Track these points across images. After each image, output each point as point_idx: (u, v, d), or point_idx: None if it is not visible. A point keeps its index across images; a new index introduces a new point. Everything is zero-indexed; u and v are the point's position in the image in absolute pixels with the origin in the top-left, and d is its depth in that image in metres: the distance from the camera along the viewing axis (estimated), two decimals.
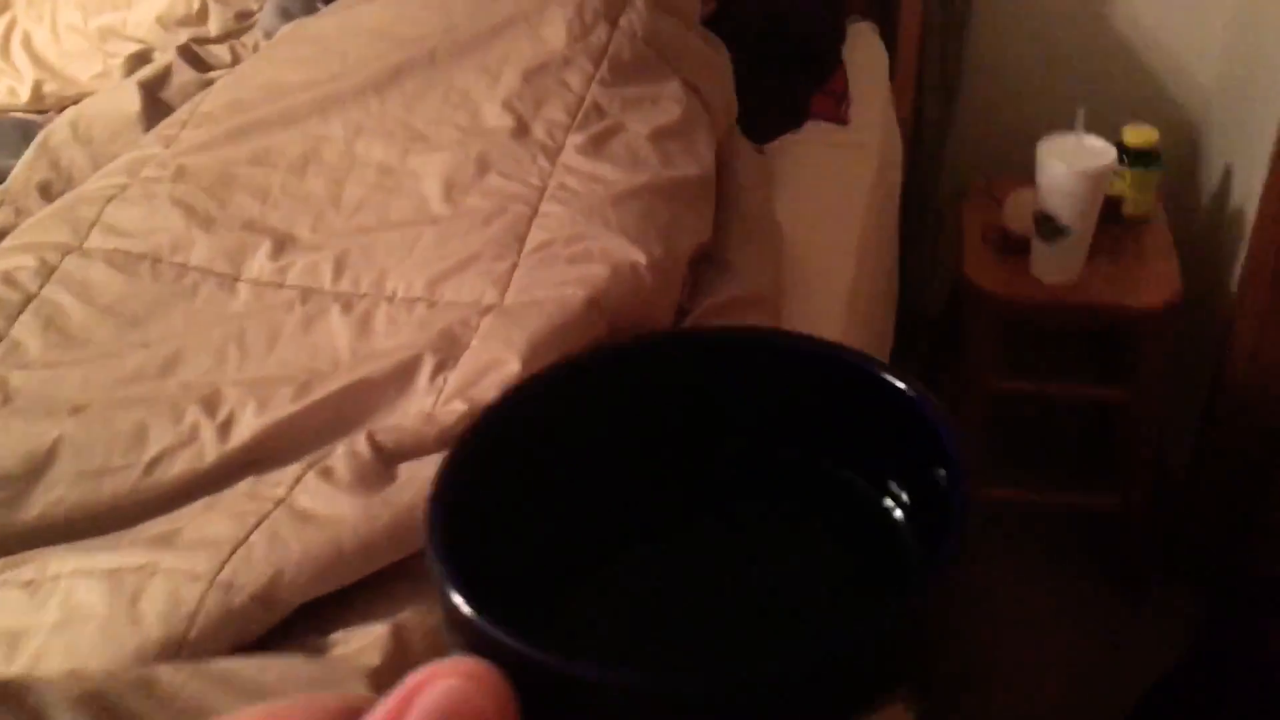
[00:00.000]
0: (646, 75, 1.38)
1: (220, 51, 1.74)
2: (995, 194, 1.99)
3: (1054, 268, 1.80)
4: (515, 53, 1.36)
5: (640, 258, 1.16)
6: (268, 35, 1.71)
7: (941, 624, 0.31)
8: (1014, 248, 1.86)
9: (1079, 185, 1.69)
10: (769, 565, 0.41)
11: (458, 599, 0.31)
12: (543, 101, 1.32)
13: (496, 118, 1.31)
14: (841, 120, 1.71)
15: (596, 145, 1.28)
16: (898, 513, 0.40)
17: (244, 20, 1.87)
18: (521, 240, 1.19)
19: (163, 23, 1.85)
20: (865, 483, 0.41)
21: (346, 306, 1.15)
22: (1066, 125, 1.71)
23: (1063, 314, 1.82)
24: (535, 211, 1.22)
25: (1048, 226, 1.75)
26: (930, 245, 2.21)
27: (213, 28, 1.86)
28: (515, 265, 1.17)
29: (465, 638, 0.30)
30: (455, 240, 1.19)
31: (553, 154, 1.27)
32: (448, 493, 0.36)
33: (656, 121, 1.32)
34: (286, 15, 1.74)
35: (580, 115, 1.31)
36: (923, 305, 2.25)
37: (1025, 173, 1.77)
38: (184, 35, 1.84)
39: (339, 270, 1.19)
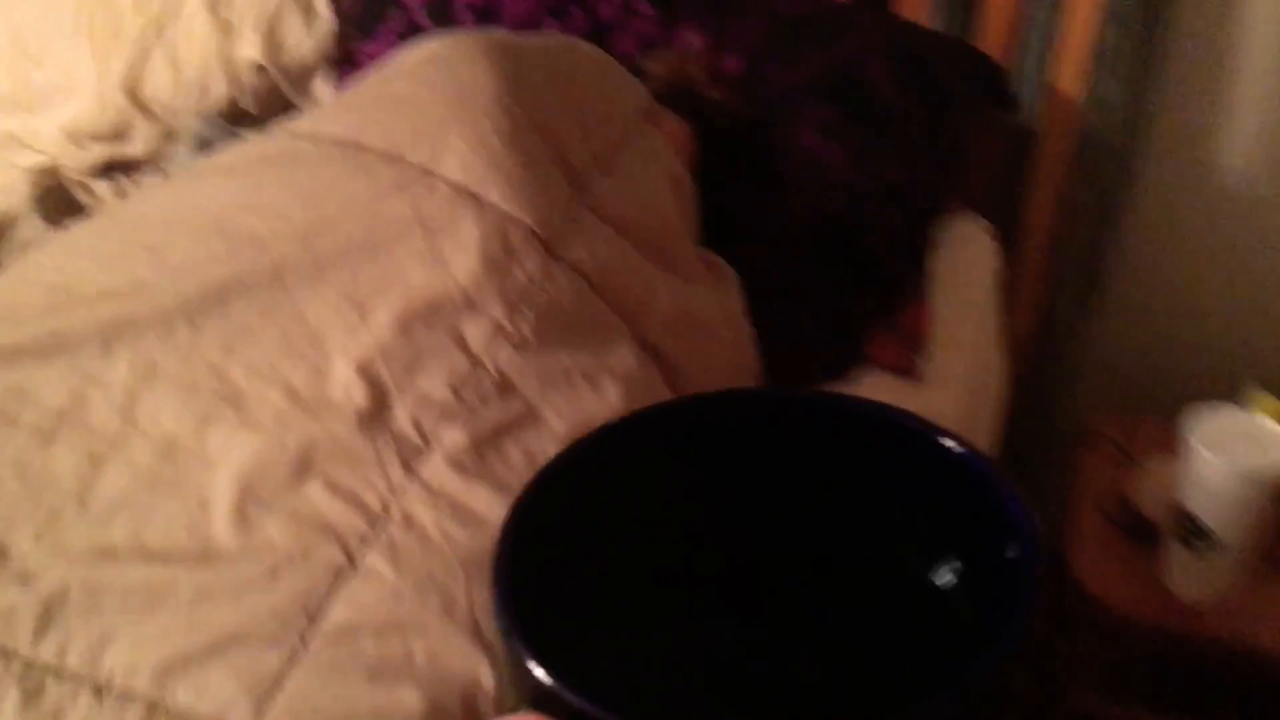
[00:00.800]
0: (587, 334, 0.92)
1: (106, 193, 1.33)
2: (1125, 445, 1.51)
3: (1192, 582, 1.30)
4: (399, 279, 0.91)
5: (488, 678, 0.72)
6: (165, 175, 1.31)
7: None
8: (1141, 534, 1.38)
9: (1241, 490, 1.20)
10: (819, 629, 0.52)
11: (539, 671, 0.47)
12: (419, 365, 0.87)
13: (345, 386, 0.86)
14: (911, 374, 1.21)
15: (481, 453, 0.83)
16: (948, 578, 0.52)
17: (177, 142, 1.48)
18: (314, 617, 0.75)
19: (73, 137, 1.48)
20: (916, 551, 0.53)
21: (31, 696, 0.73)
22: (1229, 365, 1.21)
23: (1197, 648, 1.31)
24: (351, 563, 0.78)
25: (1190, 530, 1.26)
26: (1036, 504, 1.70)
27: (137, 147, 1.48)
28: (294, 660, 0.74)
29: (534, 697, 0.45)
30: (221, 601, 0.76)
31: (410, 457, 0.83)
32: (509, 555, 0.54)
33: (585, 416, 0.87)
34: (206, 148, 1.35)
35: (470, 394, 0.87)
36: None
37: (1168, 415, 1.30)
38: (97, 151, 1.47)
39: (45, 623, 0.77)
